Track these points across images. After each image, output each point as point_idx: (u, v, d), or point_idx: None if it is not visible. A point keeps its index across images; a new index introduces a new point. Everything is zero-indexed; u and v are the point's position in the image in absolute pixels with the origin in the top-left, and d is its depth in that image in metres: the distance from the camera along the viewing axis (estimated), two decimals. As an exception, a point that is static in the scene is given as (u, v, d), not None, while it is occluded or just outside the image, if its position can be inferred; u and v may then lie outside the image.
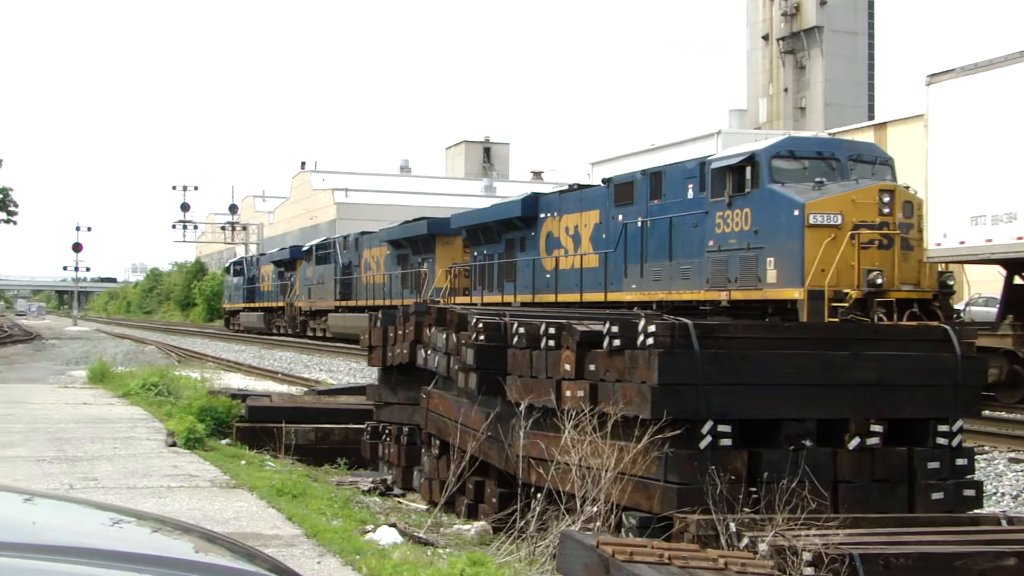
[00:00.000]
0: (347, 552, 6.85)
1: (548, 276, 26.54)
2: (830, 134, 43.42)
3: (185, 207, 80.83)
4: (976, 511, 7.35)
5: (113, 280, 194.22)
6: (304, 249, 48.79)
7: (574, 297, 24.79)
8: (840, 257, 17.66)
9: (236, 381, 22.27)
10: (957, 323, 16.59)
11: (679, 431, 6.64)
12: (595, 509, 6.87)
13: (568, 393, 7.54)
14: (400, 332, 10.92)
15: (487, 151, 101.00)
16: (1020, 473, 11.63)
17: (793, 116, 69.56)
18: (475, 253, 31.22)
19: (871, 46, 71.09)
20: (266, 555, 3.26)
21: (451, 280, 32.72)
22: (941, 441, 7.28)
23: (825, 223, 17.95)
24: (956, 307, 20.22)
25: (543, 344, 7.94)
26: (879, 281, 17.62)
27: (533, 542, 7.18)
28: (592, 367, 7.38)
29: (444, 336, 9.55)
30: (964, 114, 17.75)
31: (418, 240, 35.41)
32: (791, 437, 6.88)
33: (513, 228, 28.79)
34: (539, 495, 7.53)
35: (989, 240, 17.16)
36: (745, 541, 6.01)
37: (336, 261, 43.29)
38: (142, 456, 10.70)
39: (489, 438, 8.50)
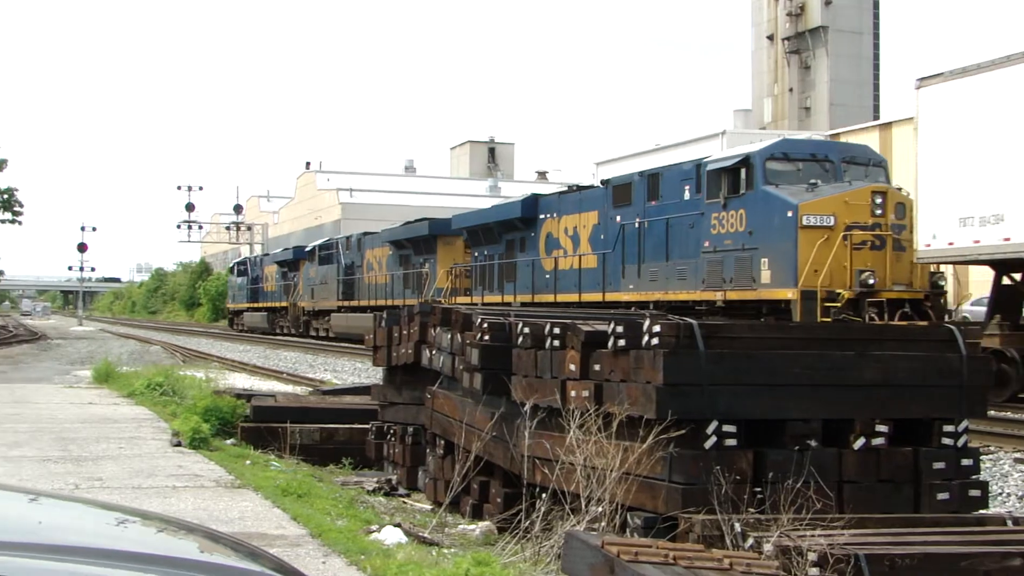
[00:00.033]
0: (352, 552, 6.86)
1: (547, 276, 26.77)
2: (835, 134, 43.38)
3: (190, 207, 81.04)
4: (982, 511, 7.33)
5: (118, 280, 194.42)
6: (307, 249, 48.93)
7: (572, 297, 25.02)
8: (833, 258, 17.96)
9: (241, 381, 22.28)
10: (962, 323, 16.68)
11: (684, 431, 6.64)
12: (600, 509, 6.86)
13: (573, 393, 7.54)
14: (405, 332, 10.92)
15: (492, 151, 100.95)
16: (1026, 473, 11.60)
17: (798, 116, 69.49)
18: (476, 254, 31.45)
19: (876, 46, 71.03)
20: (270, 554, 3.26)
21: (452, 280, 32.99)
22: (946, 441, 7.26)
23: (818, 224, 18.23)
24: (963, 307, 20.35)
25: (548, 344, 7.94)
26: (871, 281, 17.91)
27: (538, 542, 7.18)
28: (597, 367, 7.38)
29: (449, 336, 9.55)
30: (953, 117, 18.07)
31: (420, 241, 35.65)
32: (796, 437, 6.87)
33: (513, 229, 29.03)
34: (544, 495, 7.52)
35: (977, 241, 17.49)
36: (750, 541, 6.01)
37: (339, 261, 43.45)
38: (147, 456, 10.71)
39: (494, 438, 8.50)
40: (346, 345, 37.34)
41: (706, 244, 20.37)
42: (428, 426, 10.19)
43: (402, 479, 10.90)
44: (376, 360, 11.98)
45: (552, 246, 26.79)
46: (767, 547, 5.84)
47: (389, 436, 11.39)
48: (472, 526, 8.64)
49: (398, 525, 7.96)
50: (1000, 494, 10.70)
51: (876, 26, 71.03)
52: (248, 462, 11.06)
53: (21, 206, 54.19)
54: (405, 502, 10.26)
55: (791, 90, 70.66)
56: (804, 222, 18.22)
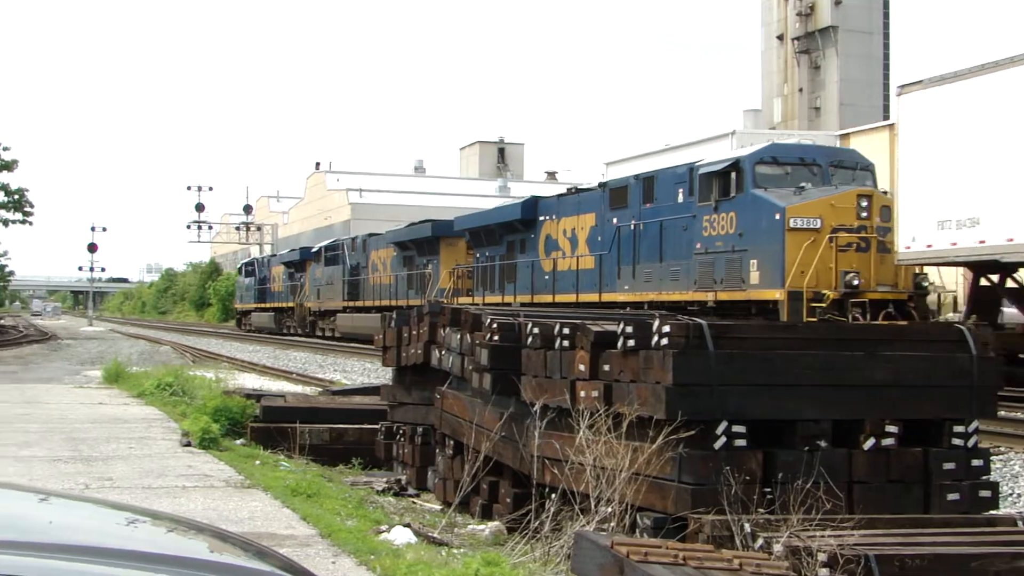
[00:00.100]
0: (361, 552, 6.86)
1: (546, 277, 27.10)
2: (845, 134, 43.30)
3: (200, 207, 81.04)
4: (992, 512, 7.31)
5: (128, 280, 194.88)
6: (313, 250, 49.22)
7: (570, 298, 25.31)
8: (819, 259, 18.40)
9: (250, 381, 22.34)
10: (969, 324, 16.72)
11: (694, 431, 6.63)
12: (609, 509, 6.86)
13: (582, 393, 7.53)
14: (414, 332, 10.93)
15: (501, 151, 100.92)
16: (1036, 474, 11.57)
17: (808, 116, 69.31)
18: (478, 255, 31.85)
19: (886, 46, 70.80)
20: (279, 554, 3.26)
21: (455, 281, 33.48)
22: (957, 442, 7.25)
23: (805, 227, 18.70)
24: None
25: (557, 344, 7.94)
26: (855, 282, 18.39)
27: (547, 542, 7.18)
28: (606, 367, 7.38)
29: (458, 336, 9.55)
30: (932, 123, 18.54)
31: (423, 242, 36.06)
32: (806, 437, 6.86)
33: (514, 230, 29.39)
34: (553, 495, 7.52)
35: (954, 244, 17.92)
36: (760, 542, 6.00)
37: (344, 262, 43.75)
38: (157, 456, 10.74)
39: (503, 438, 8.50)
40: (355, 345, 37.44)
41: (698, 246, 20.76)
42: (437, 426, 10.19)
43: (411, 479, 10.91)
44: (385, 360, 11.99)
45: (551, 247, 27.13)
46: (777, 547, 5.83)
47: (399, 436, 11.40)
48: (482, 526, 8.65)
49: (408, 525, 7.97)
50: (1011, 495, 10.67)
51: (886, 26, 70.80)
52: (258, 462, 11.08)
53: (32, 207, 54.22)
54: (415, 502, 10.27)
55: (801, 90, 70.48)
56: (791, 224, 18.67)
